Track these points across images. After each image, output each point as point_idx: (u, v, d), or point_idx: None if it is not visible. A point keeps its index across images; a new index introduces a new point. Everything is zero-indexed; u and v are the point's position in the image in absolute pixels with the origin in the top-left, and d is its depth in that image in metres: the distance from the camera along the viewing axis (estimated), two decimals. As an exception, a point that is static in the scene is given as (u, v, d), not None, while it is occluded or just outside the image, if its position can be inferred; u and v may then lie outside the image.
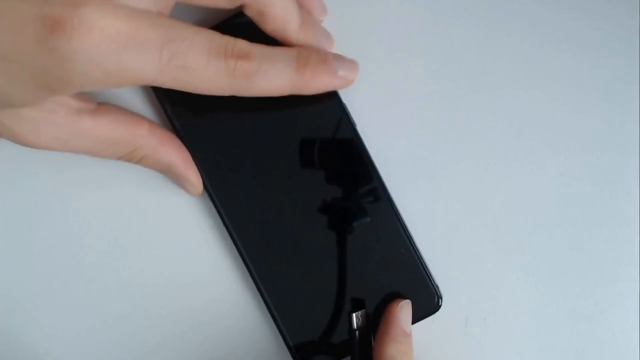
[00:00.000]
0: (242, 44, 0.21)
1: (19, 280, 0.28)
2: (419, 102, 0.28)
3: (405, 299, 0.26)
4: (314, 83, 0.23)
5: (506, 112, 0.28)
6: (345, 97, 0.26)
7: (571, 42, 0.28)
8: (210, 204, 0.26)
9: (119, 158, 0.25)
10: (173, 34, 0.20)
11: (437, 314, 0.27)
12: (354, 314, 0.26)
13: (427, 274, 0.26)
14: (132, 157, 0.25)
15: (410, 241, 0.26)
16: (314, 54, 0.23)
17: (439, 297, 0.26)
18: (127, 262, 0.28)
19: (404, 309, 0.26)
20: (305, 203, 0.26)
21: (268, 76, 0.22)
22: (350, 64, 0.24)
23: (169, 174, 0.26)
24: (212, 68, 0.21)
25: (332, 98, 0.26)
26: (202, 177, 0.26)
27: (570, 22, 0.28)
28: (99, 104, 0.24)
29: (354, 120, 0.26)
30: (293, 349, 0.26)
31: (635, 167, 0.28)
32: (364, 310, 0.26)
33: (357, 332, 0.26)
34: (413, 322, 0.26)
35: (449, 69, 0.28)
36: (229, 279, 0.28)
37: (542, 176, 0.28)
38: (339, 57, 0.24)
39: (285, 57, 0.22)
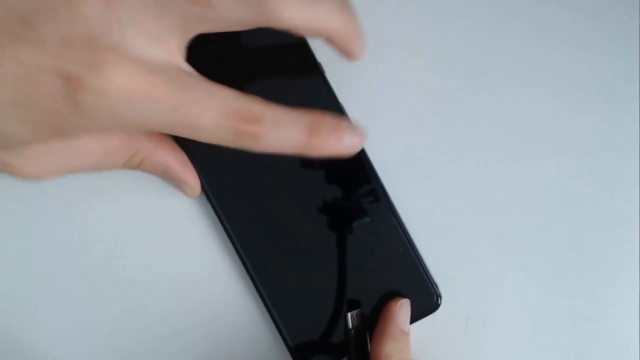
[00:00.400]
0: (256, 108, 0.21)
1: (18, 280, 0.28)
2: (418, 101, 0.28)
3: (404, 297, 0.26)
4: (318, 150, 0.22)
5: (506, 112, 0.28)
6: (345, 96, 0.26)
7: (571, 42, 0.28)
8: (209, 205, 0.26)
9: (120, 167, 0.25)
10: (187, 96, 0.20)
11: (437, 314, 0.27)
12: (349, 314, 0.26)
13: (425, 273, 0.26)
14: (131, 163, 0.25)
15: (408, 240, 0.26)
16: (327, 124, 0.22)
17: (438, 296, 0.26)
18: (127, 262, 0.28)
19: (402, 308, 0.26)
20: (303, 203, 0.26)
21: (274, 140, 0.21)
22: (359, 133, 0.23)
23: (167, 176, 0.26)
24: (220, 129, 0.21)
25: (329, 99, 0.26)
26: (199, 178, 0.26)
27: (570, 22, 0.28)
28: None
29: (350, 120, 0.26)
30: (293, 349, 0.26)
31: (635, 167, 0.28)
32: (359, 310, 0.26)
33: (352, 331, 0.26)
34: (413, 322, 0.26)
35: (449, 69, 0.28)
36: (229, 279, 0.28)
37: (542, 176, 0.28)
38: (349, 126, 0.23)
39: (298, 124, 0.22)
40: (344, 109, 0.26)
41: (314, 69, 0.26)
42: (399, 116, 0.28)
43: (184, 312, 0.28)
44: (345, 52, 0.24)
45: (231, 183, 0.26)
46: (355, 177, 0.26)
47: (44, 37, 0.19)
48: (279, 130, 0.21)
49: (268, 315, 0.27)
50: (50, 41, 0.19)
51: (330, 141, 0.22)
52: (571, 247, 0.28)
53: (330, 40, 0.23)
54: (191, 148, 0.26)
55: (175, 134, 0.21)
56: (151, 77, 0.20)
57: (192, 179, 0.26)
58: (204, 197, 0.27)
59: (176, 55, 0.21)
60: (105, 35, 0.19)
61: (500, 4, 0.28)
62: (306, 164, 0.26)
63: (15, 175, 0.23)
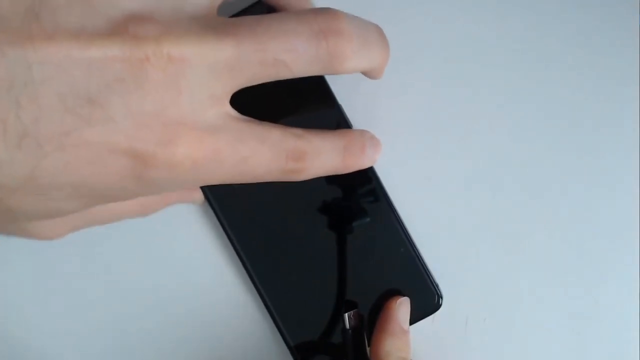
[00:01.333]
0: (299, 144, 0.21)
1: (20, 282, 0.28)
2: (417, 101, 0.28)
3: (404, 296, 0.26)
4: (350, 167, 0.23)
5: (505, 112, 0.28)
6: (343, 96, 0.26)
7: (570, 42, 0.28)
8: (210, 207, 0.26)
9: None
10: (244, 150, 0.20)
11: (437, 313, 0.27)
12: (346, 314, 0.26)
13: (426, 273, 0.26)
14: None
15: (409, 240, 0.26)
16: (358, 143, 0.23)
17: (439, 296, 0.26)
18: (128, 264, 0.28)
19: (402, 306, 0.26)
20: (303, 204, 0.26)
21: (316, 170, 0.22)
22: (378, 144, 0.24)
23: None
24: (271, 172, 0.21)
25: (328, 99, 0.26)
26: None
27: (570, 22, 0.28)
28: None
29: (350, 122, 0.26)
30: (293, 349, 0.26)
31: (635, 167, 0.28)
32: (356, 310, 0.26)
33: (349, 331, 0.26)
34: (414, 322, 0.26)
35: (447, 70, 0.28)
36: (229, 279, 0.28)
37: (541, 176, 0.28)
38: (370, 139, 0.24)
39: (334, 149, 0.23)
40: (343, 111, 0.26)
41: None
42: (398, 116, 0.28)
43: (186, 314, 0.28)
44: (372, 77, 0.24)
45: (231, 185, 0.26)
46: (355, 177, 0.26)
47: (113, 117, 0.17)
48: (320, 161, 0.22)
49: (269, 315, 0.27)
50: (121, 121, 0.17)
51: (359, 159, 0.23)
52: (571, 247, 0.28)
53: (367, 72, 0.23)
54: None
55: (228, 183, 0.21)
56: (214, 141, 0.19)
57: (198, 197, 0.26)
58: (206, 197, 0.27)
59: (226, 105, 0.20)
60: (175, 105, 0.18)
61: (500, 5, 0.28)
62: None
63: (30, 237, 0.22)
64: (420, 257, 0.27)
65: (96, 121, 0.17)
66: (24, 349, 0.28)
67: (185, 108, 0.18)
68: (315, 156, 0.22)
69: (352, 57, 0.21)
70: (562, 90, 0.28)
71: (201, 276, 0.28)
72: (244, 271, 0.27)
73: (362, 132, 0.24)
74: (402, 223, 0.27)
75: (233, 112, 0.21)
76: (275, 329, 0.27)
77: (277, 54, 0.19)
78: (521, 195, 0.28)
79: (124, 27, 0.17)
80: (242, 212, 0.26)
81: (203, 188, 0.26)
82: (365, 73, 0.23)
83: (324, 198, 0.26)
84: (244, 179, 0.21)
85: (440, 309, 0.27)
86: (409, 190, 0.28)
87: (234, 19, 0.20)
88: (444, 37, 0.28)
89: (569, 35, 0.28)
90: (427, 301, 0.26)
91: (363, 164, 0.24)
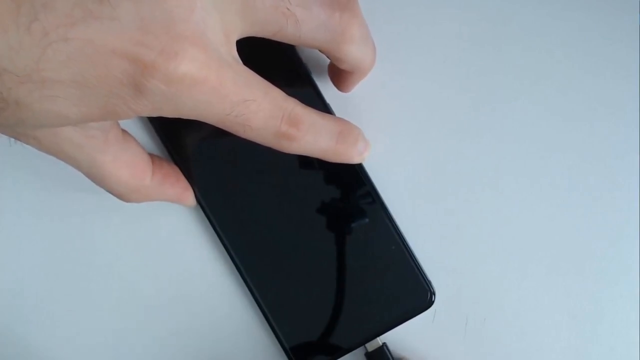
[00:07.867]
0: (298, 110, 0.21)
1: (20, 282, 0.28)
2: (408, 100, 0.28)
3: (399, 295, 0.26)
4: (339, 154, 0.23)
5: (503, 112, 0.28)
6: (330, 96, 0.27)
7: (570, 42, 0.28)
8: (202, 208, 0.27)
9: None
10: (247, 94, 0.20)
11: (437, 314, 0.27)
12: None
13: (419, 270, 0.27)
14: None
15: (401, 238, 0.27)
16: (353, 134, 0.24)
17: (432, 292, 0.26)
18: (126, 267, 0.28)
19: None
20: (295, 206, 0.27)
21: (307, 144, 0.22)
22: (369, 144, 0.25)
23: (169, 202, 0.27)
24: (266, 129, 0.21)
25: (317, 100, 0.26)
26: (194, 187, 0.27)
27: (570, 22, 0.28)
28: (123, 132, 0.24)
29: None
30: (289, 351, 0.27)
31: (635, 166, 0.28)
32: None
33: None
34: (408, 319, 0.26)
35: (444, 70, 0.28)
36: (223, 282, 0.28)
37: (541, 176, 0.28)
38: (364, 138, 0.24)
39: (330, 131, 0.23)
40: (332, 110, 0.27)
41: (301, 70, 0.26)
42: (388, 116, 0.28)
43: (179, 318, 0.28)
44: (354, 82, 0.25)
45: (224, 187, 0.27)
46: (347, 176, 0.27)
47: (121, 18, 0.17)
48: (313, 136, 0.22)
49: (264, 318, 0.27)
50: (128, 24, 0.17)
51: (350, 149, 0.23)
52: (571, 247, 0.28)
53: (352, 71, 0.24)
54: (188, 156, 0.26)
55: (221, 127, 0.21)
56: (221, 70, 0.19)
57: (190, 201, 0.27)
58: (198, 200, 0.27)
59: (234, 49, 0.20)
60: (186, 20, 0.18)
61: (499, 5, 0.28)
62: (299, 166, 0.27)
63: (31, 144, 0.21)
64: (413, 254, 0.27)
65: (103, 18, 0.17)
66: (25, 350, 0.28)
67: (196, 27, 0.18)
68: (311, 129, 0.22)
69: (356, 41, 0.22)
70: (561, 90, 0.28)
71: (196, 280, 0.28)
72: (238, 274, 0.27)
73: (358, 127, 0.24)
74: (393, 221, 0.27)
75: (239, 59, 0.21)
76: (271, 332, 0.27)
77: (292, 4, 0.20)
78: (521, 196, 0.28)
79: None
80: (234, 215, 0.27)
81: (195, 190, 0.27)
82: (353, 71, 0.24)
83: (316, 198, 0.27)
84: (238, 127, 0.21)
85: (440, 309, 0.27)
86: (410, 192, 0.28)
87: None
88: (437, 37, 0.28)
89: (568, 35, 0.28)
90: (420, 298, 0.26)
91: (352, 157, 0.24)
